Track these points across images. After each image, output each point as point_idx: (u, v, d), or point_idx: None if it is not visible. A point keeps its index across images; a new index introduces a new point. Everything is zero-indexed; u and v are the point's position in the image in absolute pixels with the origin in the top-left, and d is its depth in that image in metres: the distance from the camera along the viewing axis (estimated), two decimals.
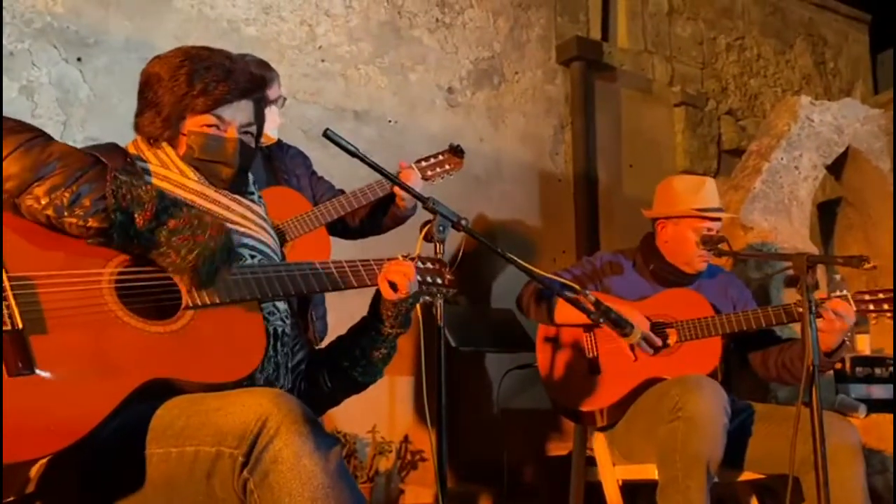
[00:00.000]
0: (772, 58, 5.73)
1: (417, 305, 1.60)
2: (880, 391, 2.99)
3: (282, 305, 1.48)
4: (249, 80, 1.47)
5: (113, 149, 1.43)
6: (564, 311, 2.41)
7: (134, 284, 1.29)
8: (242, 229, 1.43)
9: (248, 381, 1.34)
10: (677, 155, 5.12)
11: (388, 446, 3.51)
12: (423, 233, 1.65)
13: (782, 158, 3.36)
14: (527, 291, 2.52)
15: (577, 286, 1.78)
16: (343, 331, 1.68)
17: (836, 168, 3.66)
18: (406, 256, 1.57)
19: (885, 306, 2.18)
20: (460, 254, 1.73)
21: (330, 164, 3.11)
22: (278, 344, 1.45)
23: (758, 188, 3.27)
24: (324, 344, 2.46)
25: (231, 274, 1.33)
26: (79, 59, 3.20)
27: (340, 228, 2.56)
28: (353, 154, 1.51)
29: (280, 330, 1.45)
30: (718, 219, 2.46)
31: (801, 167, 3.40)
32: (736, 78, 5.51)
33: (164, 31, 3.40)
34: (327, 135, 1.47)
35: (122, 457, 1.21)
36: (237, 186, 1.48)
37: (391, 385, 3.72)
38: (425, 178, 2.47)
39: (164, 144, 1.44)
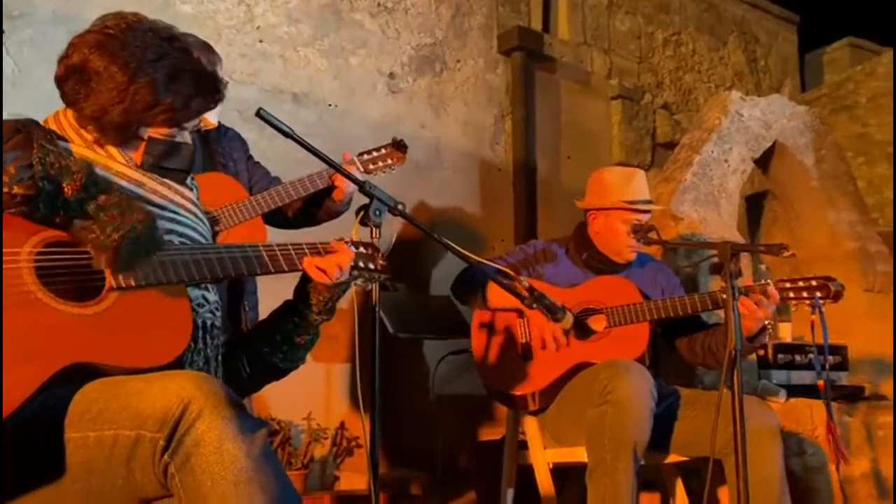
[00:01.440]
0: (706, 54, 5.89)
1: (353, 292, 1.59)
2: (799, 377, 3.12)
3: (211, 297, 1.44)
4: (216, 90, 1.43)
5: (32, 126, 1.36)
6: (498, 297, 2.44)
7: (54, 264, 1.25)
8: (171, 214, 1.39)
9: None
10: (613, 147, 5.22)
11: (324, 433, 3.50)
12: (360, 217, 1.65)
13: (713, 151, 3.47)
14: (463, 277, 2.55)
15: (511, 272, 1.80)
16: None
17: (764, 162, 3.79)
18: (340, 241, 1.56)
19: (805, 294, 2.27)
20: (393, 239, 1.73)
21: (266, 147, 3.06)
22: (207, 337, 1.41)
23: (689, 180, 3.37)
24: None
25: (157, 257, 1.29)
26: (2, 32, 3.06)
27: (275, 218, 2.52)
28: (287, 135, 1.49)
29: (210, 322, 1.41)
30: (648, 211, 2.53)
31: (731, 160, 3.51)
32: (671, 73, 5.64)
33: (94, 4, 3.27)
34: (260, 114, 1.45)
35: (40, 442, 1.17)
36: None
37: (327, 372, 3.70)
38: (367, 172, 2.44)
39: None
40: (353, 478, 3.47)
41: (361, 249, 1.59)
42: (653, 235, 2.42)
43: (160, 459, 1.10)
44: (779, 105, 3.72)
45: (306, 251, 1.49)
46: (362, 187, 1.63)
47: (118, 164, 1.37)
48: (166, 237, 1.35)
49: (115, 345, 1.24)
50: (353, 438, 3.63)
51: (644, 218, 2.50)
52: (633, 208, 2.48)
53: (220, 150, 2.45)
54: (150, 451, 1.11)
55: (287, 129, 1.49)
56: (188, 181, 1.49)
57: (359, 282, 1.59)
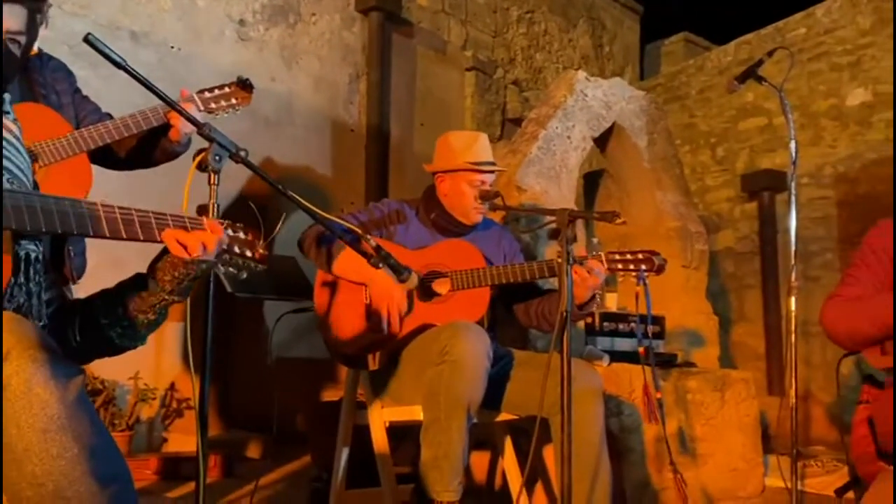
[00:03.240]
0: (557, 35, 6.11)
1: None
2: (622, 344, 3.36)
3: None
4: None
5: None
6: (344, 265, 2.42)
7: None
8: None
9: None
10: (465, 118, 5.31)
11: (152, 393, 3.34)
12: (197, 161, 1.55)
13: (557, 128, 3.60)
14: (310, 233, 2.50)
15: (359, 231, 1.78)
16: (104, 275, 1.52)
17: (602, 141, 3.99)
18: (218, 221, 1.41)
19: (631, 266, 2.43)
20: (278, 230, 1.63)
21: (100, 86, 2.83)
22: (31, 270, 1.28)
23: (533, 153, 3.49)
24: (81, 282, 2.25)
25: None
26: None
27: (105, 157, 2.32)
28: (118, 65, 1.36)
29: (33, 255, 1.29)
30: (491, 171, 2.60)
31: (573, 137, 3.67)
32: (524, 50, 5.80)
33: None
34: (89, 40, 1.31)
35: None
36: None
37: (158, 331, 3.52)
38: (208, 111, 2.31)
39: None
40: (183, 439, 3.35)
41: (241, 234, 1.47)
42: (498, 202, 2.50)
43: None
44: (620, 88, 3.92)
45: (170, 223, 1.34)
46: (201, 129, 1.53)
47: None
48: None
49: None
50: (184, 399, 3.49)
51: (487, 179, 2.58)
52: (476, 169, 2.56)
53: (40, 79, 2.22)
54: None
55: (118, 59, 1.36)
56: (11, 119, 1.33)
57: (231, 268, 1.46)
